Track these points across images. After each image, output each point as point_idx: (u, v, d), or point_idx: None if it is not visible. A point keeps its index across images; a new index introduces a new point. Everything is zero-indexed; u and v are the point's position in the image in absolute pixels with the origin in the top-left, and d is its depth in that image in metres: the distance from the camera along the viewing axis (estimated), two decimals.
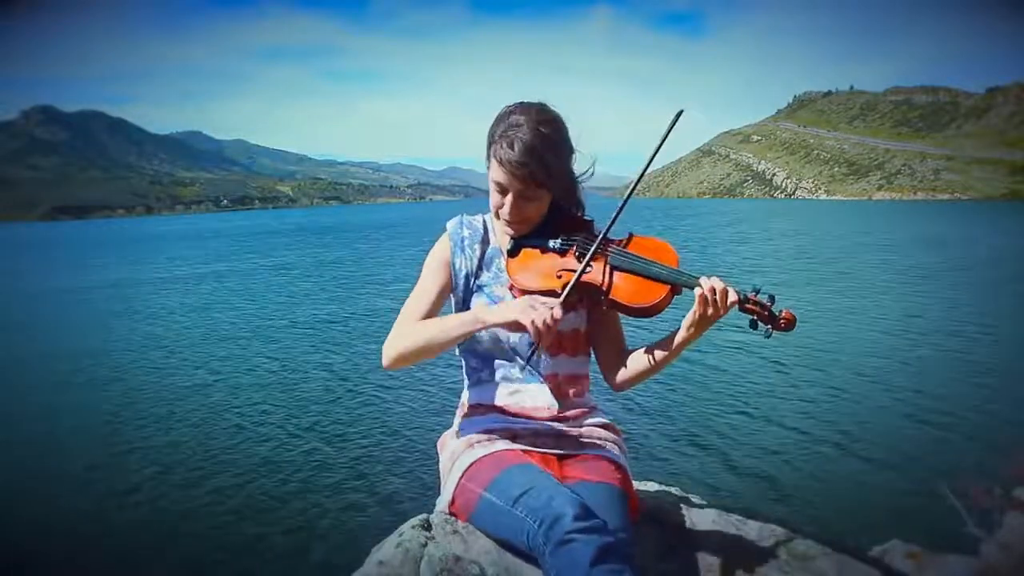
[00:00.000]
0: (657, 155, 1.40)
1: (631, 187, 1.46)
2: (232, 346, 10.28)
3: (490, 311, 1.37)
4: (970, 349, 8.76)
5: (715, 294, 1.30)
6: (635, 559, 1.19)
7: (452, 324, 1.41)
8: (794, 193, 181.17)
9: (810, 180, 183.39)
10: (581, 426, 1.52)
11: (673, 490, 1.86)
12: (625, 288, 1.39)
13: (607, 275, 1.40)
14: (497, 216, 1.50)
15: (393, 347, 1.44)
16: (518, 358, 1.51)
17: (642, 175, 1.48)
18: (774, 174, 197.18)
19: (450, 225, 1.58)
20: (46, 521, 4.74)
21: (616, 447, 1.53)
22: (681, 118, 1.39)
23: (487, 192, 1.51)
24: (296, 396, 7.48)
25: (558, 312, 1.30)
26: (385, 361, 1.46)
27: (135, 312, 14.04)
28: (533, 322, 1.27)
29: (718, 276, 1.34)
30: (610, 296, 1.40)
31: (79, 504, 5.00)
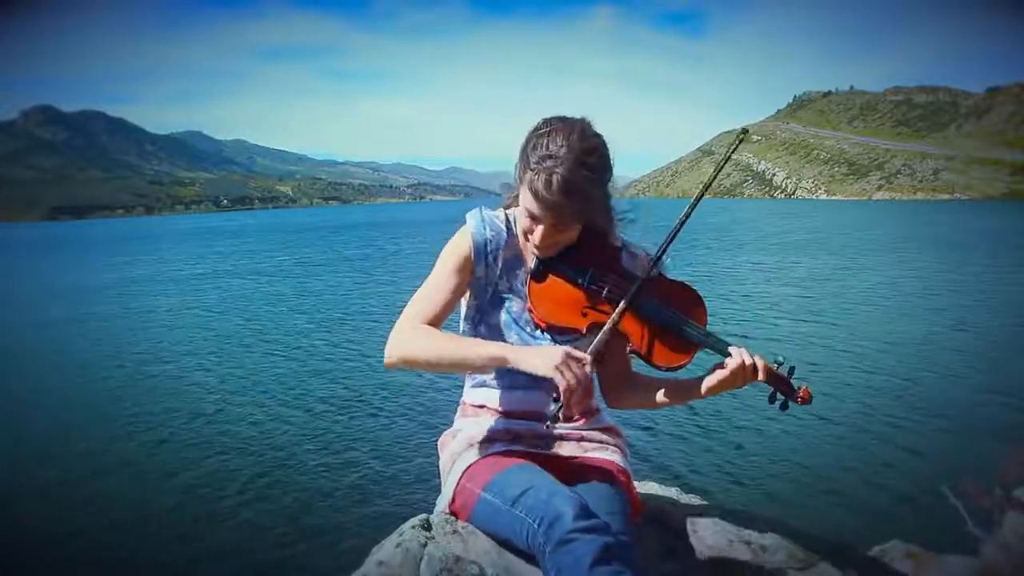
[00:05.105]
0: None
1: (678, 225, 1.36)
2: (230, 347, 10.27)
3: (520, 357, 1.26)
4: (971, 348, 8.76)
5: (744, 368, 1.30)
6: (636, 561, 1.19)
7: (474, 353, 1.30)
8: (794, 193, 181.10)
9: (810, 180, 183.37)
10: (583, 428, 1.52)
11: (674, 491, 1.86)
12: (651, 342, 1.35)
13: (636, 325, 1.35)
14: (526, 238, 1.41)
15: (402, 349, 1.34)
16: None
17: (694, 204, 1.37)
18: (774, 174, 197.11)
19: (471, 221, 1.46)
20: (48, 520, 4.74)
21: (618, 449, 1.52)
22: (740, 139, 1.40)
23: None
24: (295, 396, 7.48)
25: (590, 367, 1.24)
26: (389, 360, 1.36)
27: (132, 312, 14.04)
28: (566, 380, 1.20)
29: (746, 348, 1.32)
30: (633, 346, 1.37)
31: (78, 503, 5.00)
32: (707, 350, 1.35)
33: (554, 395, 1.25)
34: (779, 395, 1.33)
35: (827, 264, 18.74)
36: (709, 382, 1.33)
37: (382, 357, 1.39)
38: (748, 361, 1.30)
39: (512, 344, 1.39)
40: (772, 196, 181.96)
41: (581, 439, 1.50)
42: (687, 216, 1.35)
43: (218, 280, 19.41)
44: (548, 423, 1.27)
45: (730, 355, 1.30)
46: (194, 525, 4.59)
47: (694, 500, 1.79)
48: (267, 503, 4.85)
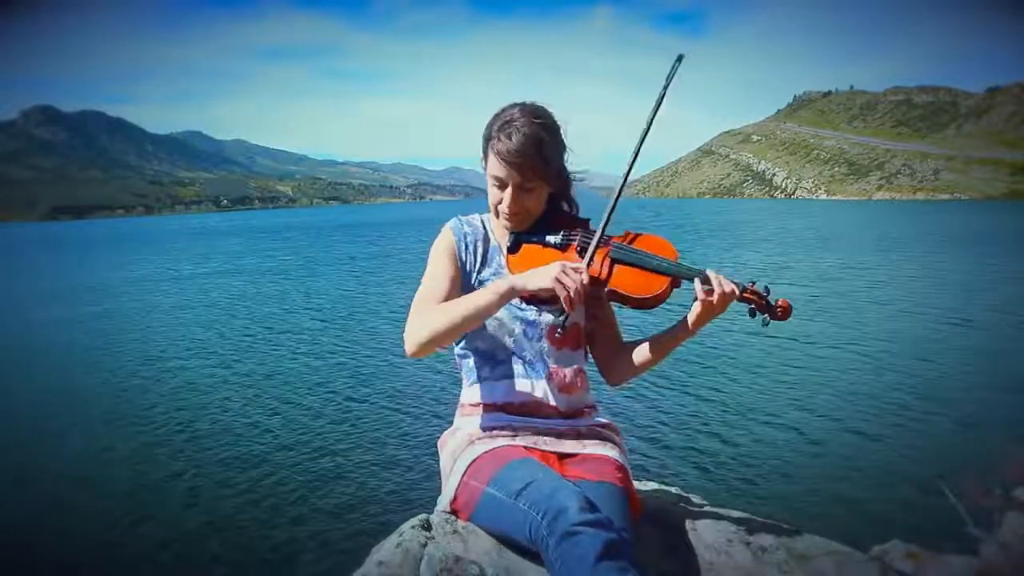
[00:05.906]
0: (647, 129, 1.46)
1: (626, 170, 1.46)
2: (232, 347, 10.27)
3: (523, 278, 1.36)
4: (971, 347, 8.76)
5: (718, 285, 1.34)
6: (636, 558, 1.19)
7: (485, 297, 1.37)
8: (794, 193, 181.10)
9: (810, 180, 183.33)
10: (582, 425, 1.53)
11: (673, 490, 1.86)
12: (626, 280, 1.43)
13: (609, 267, 1.44)
14: (496, 213, 1.52)
15: (422, 330, 1.38)
16: (524, 353, 1.51)
17: (636, 155, 1.47)
18: (774, 174, 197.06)
19: (449, 222, 1.59)
20: (49, 520, 4.74)
21: (617, 447, 1.53)
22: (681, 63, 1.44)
23: (487, 192, 1.52)
24: (294, 397, 7.48)
25: (586, 276, 1.34)
26: (412, 347, 1.38)
27: (133, 312, 14.04)
28: (566, 288, 1.30)
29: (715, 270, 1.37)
30: (611, 287, 1.43)
31: (80, 503, 5.01)
32: (684, 280, 1.41)
33: (556, 308, 1.36)
34: (758, 312, 1.37)
35: (828, 263, 18.74)
36: (692, 315, 1.39)
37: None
38: (720, 278, 1.36)
39: (501, 319, 1.49)
40: (772, 196, 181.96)
41: (580, 435, 1.51)
42: (630, 167, 1.46)
43: (221, 279, 19.41)
44: (559, 331, 1.38)
45: (704, 278, 1.36)
46: (194, 524, 4.60)
47: (694, 499, 1.79)
48: (267, 504, 4.85)
